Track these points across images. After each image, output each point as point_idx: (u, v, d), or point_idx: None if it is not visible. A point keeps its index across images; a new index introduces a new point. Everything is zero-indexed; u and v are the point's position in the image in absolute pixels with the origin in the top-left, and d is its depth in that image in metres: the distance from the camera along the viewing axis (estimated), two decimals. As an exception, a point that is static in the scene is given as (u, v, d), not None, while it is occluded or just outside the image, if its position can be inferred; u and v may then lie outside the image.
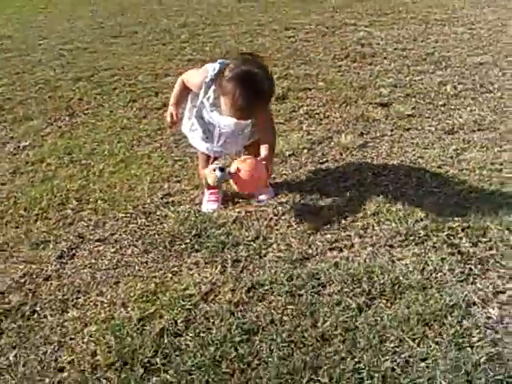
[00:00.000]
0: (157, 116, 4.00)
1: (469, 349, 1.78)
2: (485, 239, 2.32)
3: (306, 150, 3.26)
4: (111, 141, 3.61)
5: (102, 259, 2.41)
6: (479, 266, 2.17)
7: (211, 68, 2.51)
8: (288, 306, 2.01)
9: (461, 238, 2.33)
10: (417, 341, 1.82)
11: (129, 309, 2.08)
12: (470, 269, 2.16)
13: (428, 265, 2.18)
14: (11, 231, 2.66)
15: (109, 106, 4.24)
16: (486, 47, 4.91)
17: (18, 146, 3.65)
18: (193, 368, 1.78)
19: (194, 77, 2.61)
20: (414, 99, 3.90)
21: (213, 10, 7.53)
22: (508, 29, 5.40)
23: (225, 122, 2.57)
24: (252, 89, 2.32)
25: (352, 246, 2.36)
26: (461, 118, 3.55)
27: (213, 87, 2.50)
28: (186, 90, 2.68)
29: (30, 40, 6.54)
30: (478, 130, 3.37)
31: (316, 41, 5.58)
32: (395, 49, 5.08)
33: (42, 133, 3.83)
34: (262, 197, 2.78)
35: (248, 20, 6.73)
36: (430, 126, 3.48)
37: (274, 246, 2.39)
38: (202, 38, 6.08)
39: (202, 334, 1.92)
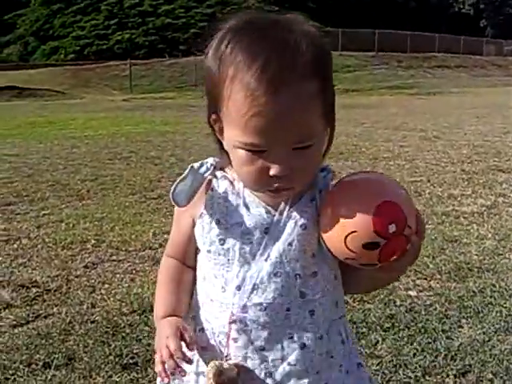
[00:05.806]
0: (153, 203, 4.85)
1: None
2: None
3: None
4: (118, 212, 4.45)
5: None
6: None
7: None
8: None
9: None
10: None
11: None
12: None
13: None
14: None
15: (114, 196, 5.11)
16: (421, 173, 6.05)
17: (38, 215, 4.44)
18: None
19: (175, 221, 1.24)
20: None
21: (195, 146, 8.70)
22: (440, 162, 6.63)
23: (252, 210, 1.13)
24: (269, 37, 0.99)
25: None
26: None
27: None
28: (180, 277, 1.20)
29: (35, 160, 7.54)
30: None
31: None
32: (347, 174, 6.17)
33: (58, 208, 4.66)
34: None
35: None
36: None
37: None
38: (188, 162, 7.14)
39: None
